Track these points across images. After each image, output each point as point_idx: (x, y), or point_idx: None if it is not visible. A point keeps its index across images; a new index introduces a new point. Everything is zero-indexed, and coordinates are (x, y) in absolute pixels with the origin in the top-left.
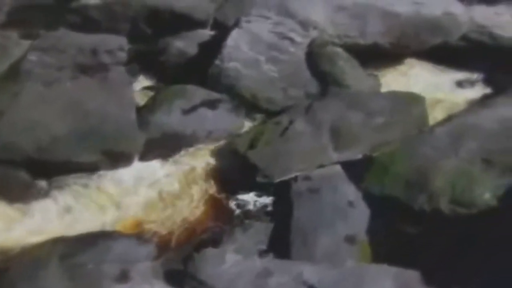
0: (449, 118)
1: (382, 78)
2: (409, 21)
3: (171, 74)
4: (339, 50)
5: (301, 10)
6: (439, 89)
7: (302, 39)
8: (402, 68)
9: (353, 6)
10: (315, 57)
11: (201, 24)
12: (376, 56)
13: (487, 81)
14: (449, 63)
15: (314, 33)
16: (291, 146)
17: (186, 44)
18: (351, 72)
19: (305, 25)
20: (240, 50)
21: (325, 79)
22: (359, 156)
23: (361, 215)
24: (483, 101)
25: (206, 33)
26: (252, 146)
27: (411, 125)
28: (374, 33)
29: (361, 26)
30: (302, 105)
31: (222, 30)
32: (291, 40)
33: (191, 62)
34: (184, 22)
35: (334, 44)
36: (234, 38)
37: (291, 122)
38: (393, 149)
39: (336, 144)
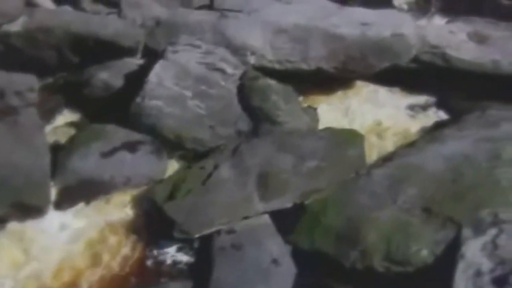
0: (390, 157)
1: (323, 109)
2: (355, 44)
3: (95, 109)
4: (273, 82)
5: (237, 34)
6: (387, 116)
7: (234, 70)
8: (348, 94)
9: (294, 28)
10: (246, 91)
11: (129, 52)
12: (322, 82)
13: (441, 106)
14: (400, 87)
15: (251, 59)
16: (214, 196)
17: (111, 75)
18: (285, 107)
19: (241, 51)
20: (163, 86)
21: (257, 116)
22: (289, 205)
23: (286, 274)
24: (431, 132)
25: (135, 63)
26: (172, 195)
27: (347, 168)
28: (318, 57)
29: (303, 50)
30: (230, 146)
31: (153, 58)
32: (222, 71)
33: (115, 95)
34: (110, 50)
35: (274, 70)
36: (157, 72)
37: (215, 167)
38: (326, 196)
39: (263, 192)
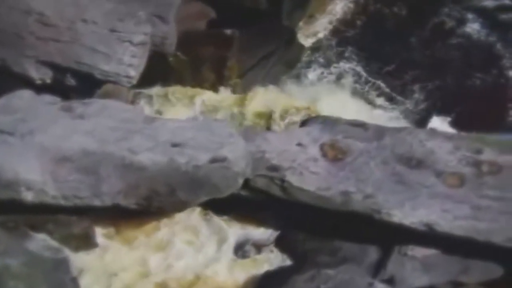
0: None
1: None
2: (160, 175)
3: None
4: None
5: (6, 165)
6: (207, 266)
7: None
8: (157, 236)
9: (82, 156)
10: None
11: None
12: (123, 218)
13: (281, 246)
14: (234, 216)
15: (28, 196)
16: None
17: None
18: None
19: (12, 186)
20: None
21: None
22: None
23: None
24: None
25: None
26: None
27: None
28: (113, 192)
29: (94, 184)
30: None
31: None
32: None
33: None
34: None
35: (60, 206)
36: None
37: None
38: None
39: None
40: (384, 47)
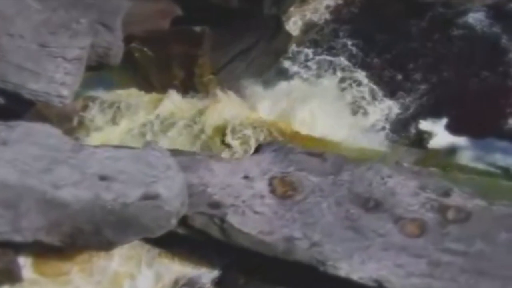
0: None
1: None
2: (84, 212)
3: None
4: None
5: None
6: None
7: None
8: (91, 269)
9: (1, 189)
10: None
11: None
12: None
13: (219, 286)
14: (169, 255)
15: None
16: None
17: None
18: None
19: None
20: None
21: None
22: None
23: None
24: None
25: None
26: None
27: None
28: (34, 228)
29: (13, 219)
30: None
31: None
32: None
33: None
34: None
35: None
36: None
37: None
38: None
39: None
40: (378, 38)
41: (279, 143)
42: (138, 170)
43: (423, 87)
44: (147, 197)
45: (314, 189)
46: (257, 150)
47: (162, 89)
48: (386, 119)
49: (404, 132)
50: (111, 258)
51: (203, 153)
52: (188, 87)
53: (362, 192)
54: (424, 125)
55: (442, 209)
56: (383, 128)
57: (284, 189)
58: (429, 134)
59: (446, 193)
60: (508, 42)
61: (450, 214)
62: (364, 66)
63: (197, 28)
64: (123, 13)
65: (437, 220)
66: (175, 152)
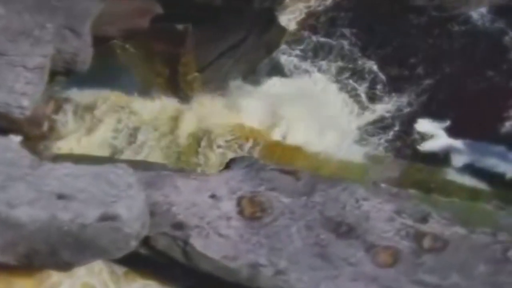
0: None
1: None
2: (40, 233)
3: None
4: None
5: None
6: None
7: None
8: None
9: None
10: None
11: None
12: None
13: None
14: (132, 275)
15: None
16: None
17: None
18: None
19: None
20: None
21: None
22: None
23: None
24: None
25: None
26: None
27: None
28: None
29: None
30: None
31: None
32: None
33: None
34: None
35: None
36: None
37: None
38: None
39: None
40: (371, 38)
41: (251, 159)
42: (98, 188)
43: (418, 88)
44: (106, 218)
45: (284, 211)
46: (228, 165)
47: (146, 87)
48: (379, 122)
49: (397, 136)
50: (71, 277)
51: (170, 168)
52: (172, 86)
53: (334, 215)
54: (421, 126)
55: (418, 237)
56: (374, 134)
57: (252, 210)
58: (425, 136)
59: (424, 219)
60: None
61: (426, 243)
62: (359, 68)
63: (180, 26)
64: (92, 16)
65: (412, 249)
66: (142, 165)
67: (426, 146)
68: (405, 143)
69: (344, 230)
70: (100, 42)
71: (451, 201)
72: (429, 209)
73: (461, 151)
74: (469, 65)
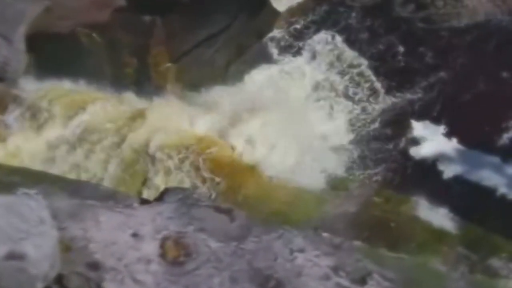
0: None
1: None
2: None
3: None
4: None
5: None
6: None
7: None
8: None
9: None
10: None
11: None
12: None
13: None
14: None
15: None
16: None
17: None
18: None
19: None
20: None
21: None
22: None
23: None
24: None
25: None
26: None
27: None
28: None
29: None
30: None
31: None
32: None
33: None
34: None
35: None
36: None
37: None
38: None
39: None
40: (372, 28)
41: (186, 192)
42: (7, 222)
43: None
44: (12, 256)
45: (210, 258)
46: (162, 195)
47: (115, 78)
48: (369, 124)
49: (387, 139)
50: None
51: (101, 193)
52: (143, 77)
53: (263, 267)
54: (413, 131)
55: None
56: (347, 150)
57: (176, 254)
58: (416, 141)
59: (363, 279)
60: None
61: None
62: (341, 72)
63: (147, 18)
64: (27, 20)
65: None
66: (72, 187)
67: (417, 152)
68: (396, 147)
69: (272, 285)
70: (56, 38)
71: (399, 257)
72: (372, 267)
73: (452, 159)
74: (468, 66)
